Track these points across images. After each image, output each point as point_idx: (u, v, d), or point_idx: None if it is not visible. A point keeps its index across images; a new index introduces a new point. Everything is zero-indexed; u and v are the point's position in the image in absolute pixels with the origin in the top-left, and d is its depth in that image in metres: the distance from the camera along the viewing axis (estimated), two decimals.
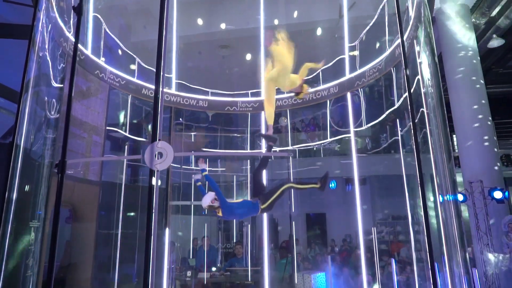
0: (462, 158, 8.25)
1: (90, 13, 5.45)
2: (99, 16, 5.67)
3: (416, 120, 4.74)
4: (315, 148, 8.59)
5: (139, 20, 8.00)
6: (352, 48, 6.48)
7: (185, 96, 6.72)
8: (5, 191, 3.01)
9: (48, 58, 3.99)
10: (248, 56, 8.37)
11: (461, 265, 4.12)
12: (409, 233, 7.16)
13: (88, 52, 5.29)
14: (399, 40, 5.23)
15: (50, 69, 4.12)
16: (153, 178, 2.08)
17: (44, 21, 3.89)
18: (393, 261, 6.57)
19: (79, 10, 2.30)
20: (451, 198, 4.41)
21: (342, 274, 7.38)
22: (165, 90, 6.58)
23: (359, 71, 5.98)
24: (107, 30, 5.83)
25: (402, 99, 5.85)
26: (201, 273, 6.95)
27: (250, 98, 6.63)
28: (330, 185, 7.60)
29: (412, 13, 4.75)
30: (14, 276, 3.65)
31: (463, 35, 8.41)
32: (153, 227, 1.97)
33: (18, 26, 6.26)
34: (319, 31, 8.44)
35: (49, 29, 3.86)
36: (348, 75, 6.19)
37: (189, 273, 6.74)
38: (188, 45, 8.07)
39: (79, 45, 5.12)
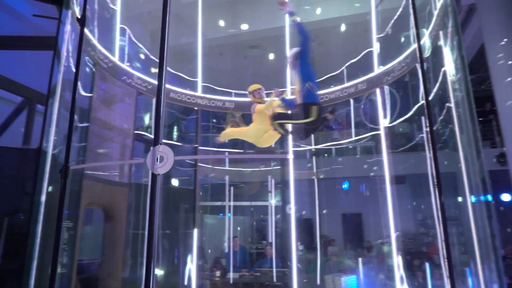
0: (510, 154, 7.65)
1: (117, 19, 5.68)
2: (124, 27, 5.90)
3: (441, 117, 4.48)
4: (341, 147, 8.40)
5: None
6: (380, 40, 6.25)
7: (212, 98, 6.81)
8: (33, 194, 3.20)
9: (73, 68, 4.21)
10: (272, 56, 8.35)
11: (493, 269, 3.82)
12: (450, 235, 6.77)
13: (115, 59, 5.52)
14: (426, 33, 4.98)
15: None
16: (157, 181, 2.12)
17: (70, 31, 4.10)
18: (427, 265, 6.25)
19: (82, 22, 2.40)
20: (481, 198, 4.10)
21: (375, 277, 7.13)
22: (191, 92, 6.71)
23: (387, 66, 5.74)
24: (132, 36, 6.05)
25: (432, 94, 5.54)
26: (231, 273, 7.01)
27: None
28: (343, 186, 7.35)
29: (438, 4, 4.48)
30: (47, 274, 3.88)
31: (507, 22, 7.79)
32: (155, 228, 2.01)
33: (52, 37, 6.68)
34: (343, 27, 8.24)
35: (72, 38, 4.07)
36: (376, 71, 5.97)
37: (218, 273, 6.81)
38: (214, 47, 8.17)
39: (106, 53, 5.37)
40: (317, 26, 7.83)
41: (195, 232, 6.23)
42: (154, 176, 2.06)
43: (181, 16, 7.51)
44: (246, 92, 4.68)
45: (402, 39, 5.85)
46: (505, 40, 7.77)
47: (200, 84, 6.83)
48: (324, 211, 8.04)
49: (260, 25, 8.45)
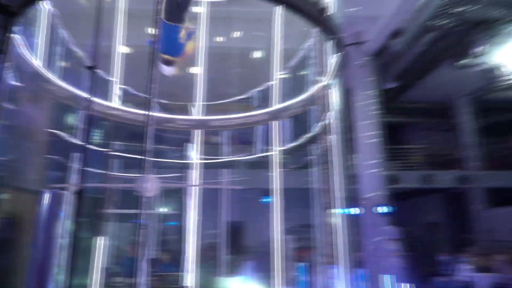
0: (360, 177, 9.98)
1: (42, 25, 5.53)
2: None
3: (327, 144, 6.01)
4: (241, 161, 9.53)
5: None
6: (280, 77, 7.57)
7: (125, 110, 7.01)
8: None
9: None
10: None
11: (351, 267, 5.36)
12: (315, 240, 8.48)
13: (37, 62, 5.38)
14: (319, 84, 6.45)
15: None
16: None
17: None
18: (300, 264, 7.75)
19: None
20: (345, 211, 5.70)
21: (258, 277, 8.33)
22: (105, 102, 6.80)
23: (285, 104, 7.06)
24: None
25: (317, 127, 7.15)
26: (128, 279, 7.25)
27: (189, 117, 7.27)
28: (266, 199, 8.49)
29: (329, 60, 5.98)
30: None
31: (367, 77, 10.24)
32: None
33: None
34: (254, 55, 9.46)
35: None
36: (275, 106, 7.23)
37: (117, 279, 7.00)
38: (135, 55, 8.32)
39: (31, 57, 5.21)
40: (230, 50, 8.83)
41: (100, 239, 6.35)
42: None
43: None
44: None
45: (302, 79, 7.29)
46: (366, 91, 10.20)
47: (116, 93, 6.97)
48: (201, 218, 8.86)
49: None
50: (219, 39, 9.75)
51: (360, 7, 9.87)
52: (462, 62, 10.84)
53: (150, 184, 2.66)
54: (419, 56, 11.20)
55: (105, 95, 6.71)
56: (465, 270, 8.47)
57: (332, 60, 5.73)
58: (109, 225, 6.93)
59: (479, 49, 10.14)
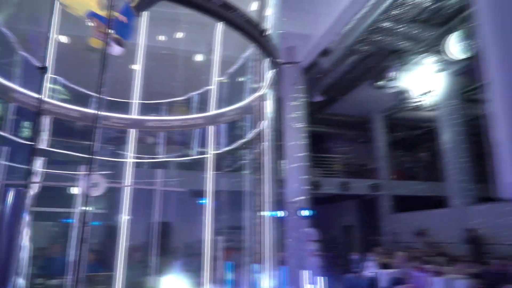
0: (287, 182, 10.76)
1: None
2: None
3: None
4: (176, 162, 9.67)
5: None
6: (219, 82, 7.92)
7: (57, 105, 6.79)
8: None
9: None
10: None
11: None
12: (243, 241, 8.97)
13: None
14: (255, 94, 6.97)
15: None
16: None
17: None
18: (228, 263, 8.18)
19: None
20: (272, 214, 6.28)
21: (186, 277, 8.54)
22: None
23: (222, 110, 7.45)
24: None
25: (251, 133, 7.65)
26: (52, 280, 6.98)
27: (125, 116, 7.27)
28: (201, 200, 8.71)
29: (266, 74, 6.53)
30: None
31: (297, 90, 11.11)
32: None
33: None
34: (196, 58, 9.70)
35: None
36: (213, 111, 7.58)
37: (39, 280, 6.72)
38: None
39: None
40: (172, 51, 8.95)
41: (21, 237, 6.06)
42: None
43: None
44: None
45: (239, 86, 7.73)
46: (294, 103, 11.04)
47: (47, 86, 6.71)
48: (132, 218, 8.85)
49: None
50: (162, 37, 9.83)
51: (295, 25, 10.73)
52: (379, 83, 12.31)
53: (96, 184, 2.86)
54: (343, 74, 12.43)
55: (37, 86, 6.45)
56: (371, 267, 9.65)
57: (268, 74, 6.29)
58: (32, 224, 6.62)
59: (392, 74, 11.63)
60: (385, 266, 9.65)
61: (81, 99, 7.09)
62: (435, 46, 10.19)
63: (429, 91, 12.45)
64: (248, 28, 4.38)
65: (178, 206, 10.49)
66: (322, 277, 9.05)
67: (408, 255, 9.83)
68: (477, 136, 10.50)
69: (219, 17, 4.20)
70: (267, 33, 4.86)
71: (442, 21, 9.67)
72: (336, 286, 9.94)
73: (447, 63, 10.75)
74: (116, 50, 4.92)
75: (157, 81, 9.62)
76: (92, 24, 4.75)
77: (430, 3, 8.92)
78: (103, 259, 8.04)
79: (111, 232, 8.95)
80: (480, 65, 4.21)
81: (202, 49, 10.28)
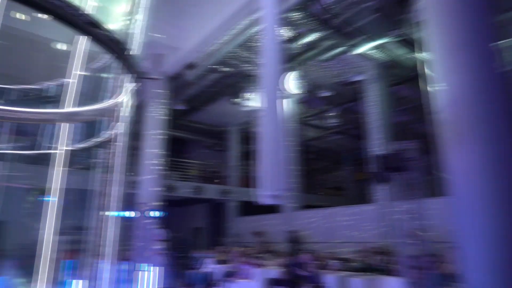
0: (140, 183, 11.19)
1: None
2: None
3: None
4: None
5: None
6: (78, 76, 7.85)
7: None
8: None
9: None
10: None
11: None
12: (86, 241, 8.96)
13: None
14: (113, 97, 7.34)
15: None
16: None
17: None
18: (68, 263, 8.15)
19: None
20: (120, 214, 6.78)
21: (21, 278, 8.05)
22: None
23: (78, 109, 7.53)
24: None
25: (106, 134, 7.89)
26: None
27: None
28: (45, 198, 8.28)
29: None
30: None
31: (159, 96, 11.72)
32: None
33: None
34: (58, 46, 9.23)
35: None
36: (68, 108, 7.58)
37: None
38: None
39: None
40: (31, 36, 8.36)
41: None
42: None
43: None
44: None
45: (99, 84, 7.85)
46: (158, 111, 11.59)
47: None
48: None
49: None
50: (21, 16, 9.07)
51: (167, 36, 11.36)
52: (236, 100, 13.89)
53: None
54: (206, 88, 13.60)
55: None
56: (209, 264, 10.88)
57: (129, 86, 6.80)
58: None
59: (247, 94, 13.35)
60: (222, 262, 11.01)
61: None
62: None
63: None
64: (111, 46, 4.86)
65: (18, 204, 9.70)
66: (167, 276, 9.78)
67: (243, 252, 11.43)
68: (309, 154, 12.91)
69: (85, 32, 4.56)
70: (130, 52, 5.41)
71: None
72: (177, 281, 10.82)
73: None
74: None
75: (5, 63, 8.91)
76: None
77: None
78: None
79: None
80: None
81: (65, 37, 9.82)
